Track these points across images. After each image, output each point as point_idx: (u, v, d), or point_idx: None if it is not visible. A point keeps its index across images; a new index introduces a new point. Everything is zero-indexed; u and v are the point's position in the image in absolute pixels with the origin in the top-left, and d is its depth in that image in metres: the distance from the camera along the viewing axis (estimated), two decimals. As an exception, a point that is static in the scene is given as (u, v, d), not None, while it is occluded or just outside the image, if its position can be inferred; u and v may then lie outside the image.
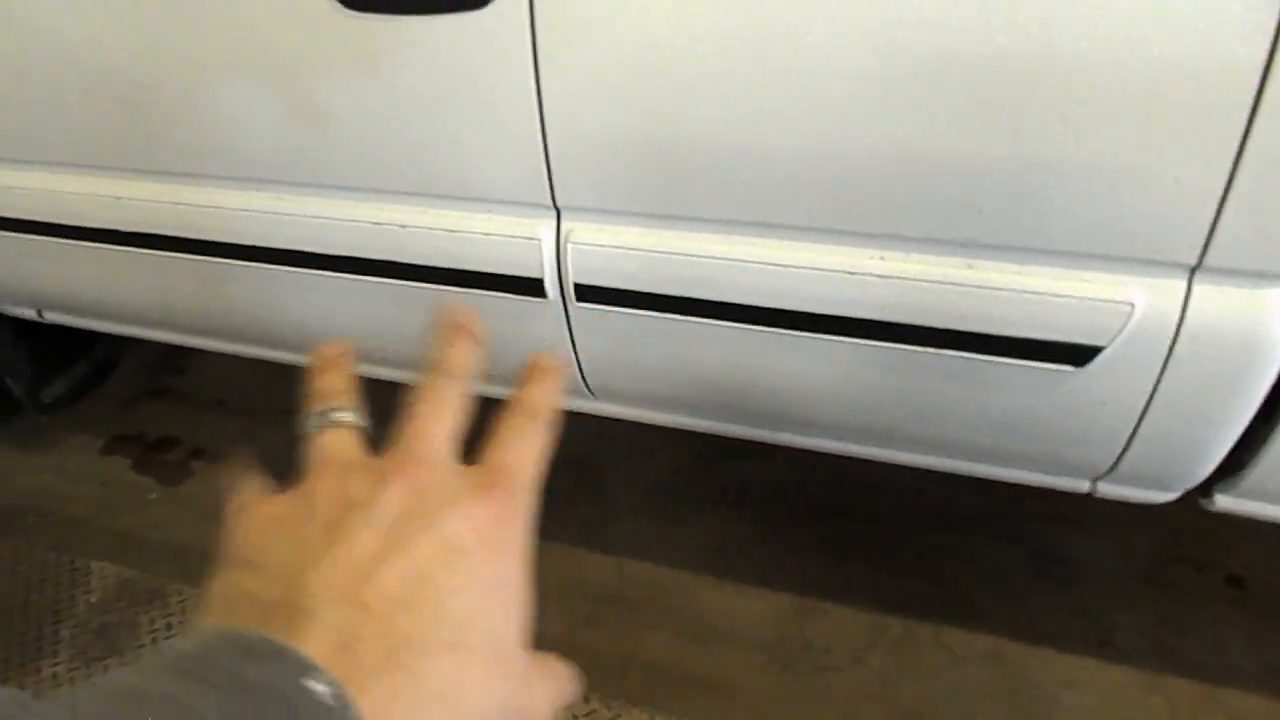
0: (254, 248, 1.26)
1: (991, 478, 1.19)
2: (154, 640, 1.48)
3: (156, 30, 1.13)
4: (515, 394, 0.40)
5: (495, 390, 1.38)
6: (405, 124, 1.07)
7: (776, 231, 0.99)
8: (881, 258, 0.97)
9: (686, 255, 1.03)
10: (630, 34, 0.92)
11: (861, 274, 0.98)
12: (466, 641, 0.31)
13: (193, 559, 1.68)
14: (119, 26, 1.14)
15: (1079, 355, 0.95)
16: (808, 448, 1.26)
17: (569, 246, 1.08)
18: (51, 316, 1.66)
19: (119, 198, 1.31)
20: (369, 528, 0.32)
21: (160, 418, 2.03)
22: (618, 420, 1.38)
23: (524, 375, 0.41)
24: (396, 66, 1.03)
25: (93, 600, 1.49)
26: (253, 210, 1.23)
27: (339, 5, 1.00)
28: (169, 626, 1.50)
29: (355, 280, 1.22)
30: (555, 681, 0.36)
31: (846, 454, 1.25)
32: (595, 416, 1.47)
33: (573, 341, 1.19)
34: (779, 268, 1.00)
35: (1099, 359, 0.94)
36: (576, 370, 1.23)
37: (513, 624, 0.33)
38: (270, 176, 1.20)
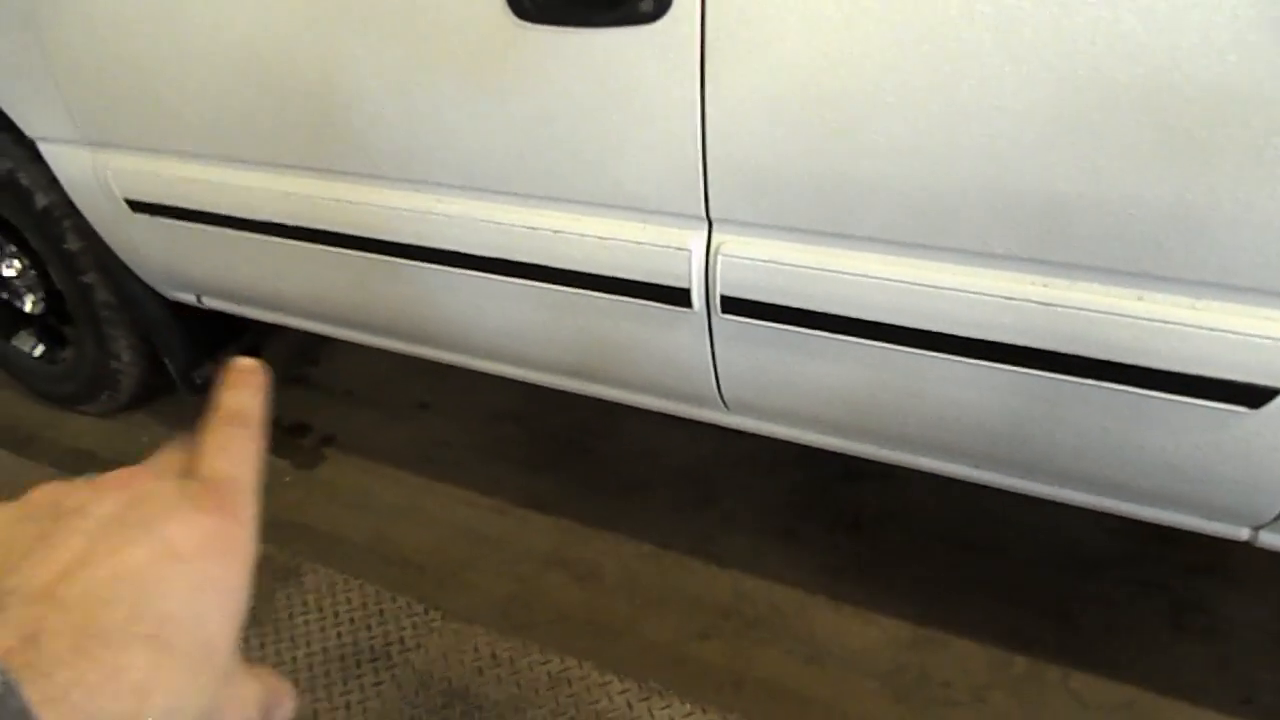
0: (410, 246, 1.31)
1: (1142, 518, 1.15)
2: (290, 615, 1.55)
3: (333, 35, 1.19)
4: (217, 401, 0.39)
5: (640, 399, 1.40)
6: (566, 131, 1.10)
7: (936, 253, 0.98)
8: (1045, 284, 0.95)
9: (840, 273, 1.03)
10: (800, 55, 0.93)
11: (1022, 299, 0.96)
12: (168, 638, 0.30)
13: (324, 541, 1.76)
14: (299, 32, 1.21)
15: (1254, 396, 0.91)
16: (945, 474, 1.24)
17: (719, 258, 1.09)
18: (209, 303, 1.77)
19: (288, 193, 1.38)
20: (78, 533, 0.32)
21: (296, 404, 2.13)
22: (738, 434, 1.39)
23: (225, 380, 0.40)
24: (562, 75, 1.06)
25: (235, 573, 1.57)
26: (412, 209, 1.28)
27: (512, 15, 1.04)
28: (304, 603, 1.57)
29: (505, 282, 1.26)
30: (267, 692, 0.35)
31: (985, 483, 1.22)
32: (715, 432, 1.48)
33: (713, 353, 1.20)
34: (936, 289, 0.99)
35: (1276, 401, 0.90)
36: (713, 382, 1.24)
37: (225, 628, 0.33)
38: (430, 178, 1.25)
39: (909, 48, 0.87)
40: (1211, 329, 0.89)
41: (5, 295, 2.05)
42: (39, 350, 2.08)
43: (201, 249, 1.58)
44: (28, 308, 2.05)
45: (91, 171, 1.59)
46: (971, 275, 0.98)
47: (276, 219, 1.42)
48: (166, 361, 1.91)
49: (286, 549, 1.67)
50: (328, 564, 1.64)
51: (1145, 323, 0.91)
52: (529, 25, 1.04)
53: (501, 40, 1.07)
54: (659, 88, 1.01)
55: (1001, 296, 0.96)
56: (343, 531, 1.79)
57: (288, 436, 2.04)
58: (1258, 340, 0.88)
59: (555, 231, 1.19)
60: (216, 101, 1.36)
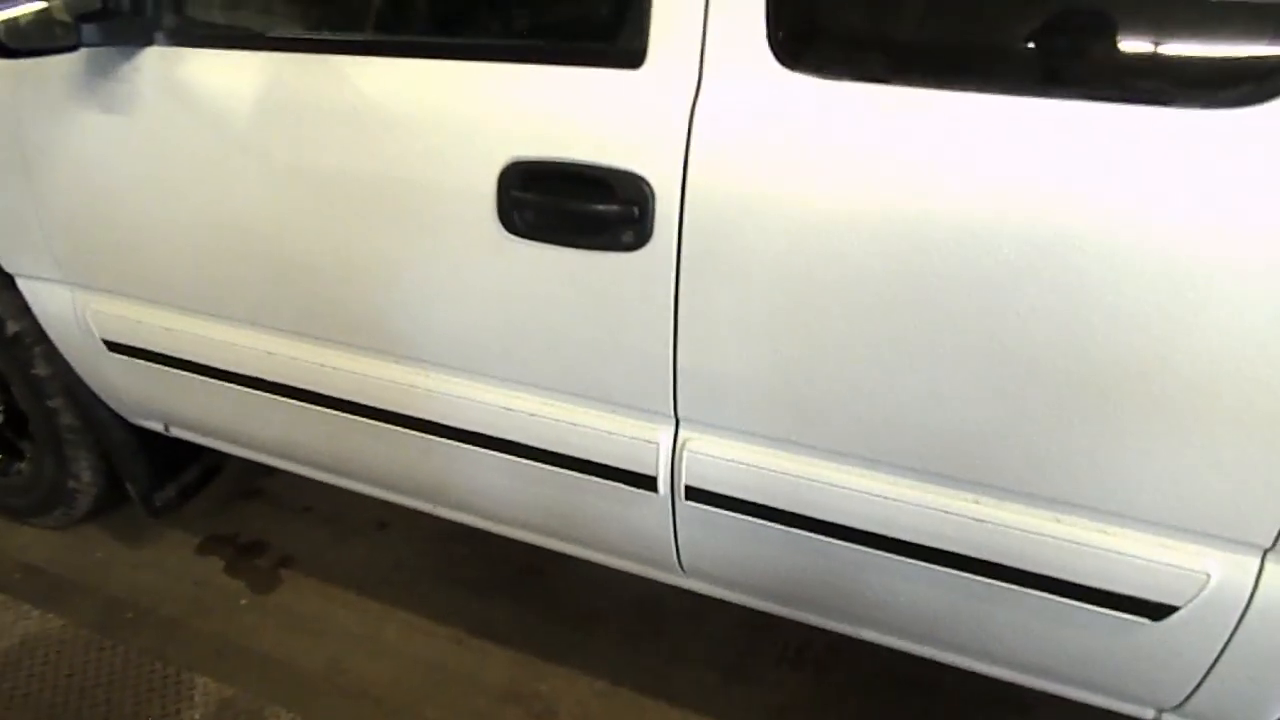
0: (391, 413, 1.38)
1: (1061, 695, 1.26)
2: (250, 761, 1.57)
3: (329, 216, 1.28)
4: None
5: (602, 559, 1.47)
6: (547, 330, 1.20)
7: (884, 467, 1.10)
8: (977, 501, 1.07)
9: (797, 476, 1.14)
10: (765, 290, 1.04)
11: (956, 513, 1.07)
12: None
13: (280, 671, 1.78)
14: (296, 210, 1.29)
15: (1156, 611, 1.03)
16: (886, 645, 1.34)
17: (685, 454, 1.19)
18: (177, 432, 1.80)
19: (270, 352, 1.45)
20: None
21: (252, 519, 2.15)
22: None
23: None
24: (545, 284, 1.16)
25: (196, 717, 1.58)
26: (394, 381, 1.35)
27: (501, 228, 1.14)
28: (265, 748, 1.59)
29: (480, 453, 1.34)
30: None
31: (923, 655, 1.32)
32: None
33: (675, 531, 1.29)
34: (882, 499, 1.10)
35: (1174, 617, 1.02)
36: (673, 553, 1.33)
37: None
38: (414, 354, 1.33)
39: (860, 302, 0.99)
40: (1119, 552, 1.02)
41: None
42: (-7, 464, 2.08)
43: (178, 391, 1.63)
44: (-18, 423, 2.05)
45: (70, 310, 1.63)
46: (913, 488, 1.09)
47: (257, 374, 1.48)
48: (128, 484, 1.92)
49: (249, 690, 1.69)
50: (290, 708, 1.66)
51: (1062, 542, 1.04)
52: (517, 239, 1.14)
53: (491, 247, 1.17)
54: (636, 305, 1.12)
55: (938, 509, 1.08)
56: (299, 661, 1.81)
57: (243, 556, 2.06)
58: (1158, 565, 1.00)
59: (531, 414, 1.27)
60: (205, 262, 1.43)
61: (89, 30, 1.26)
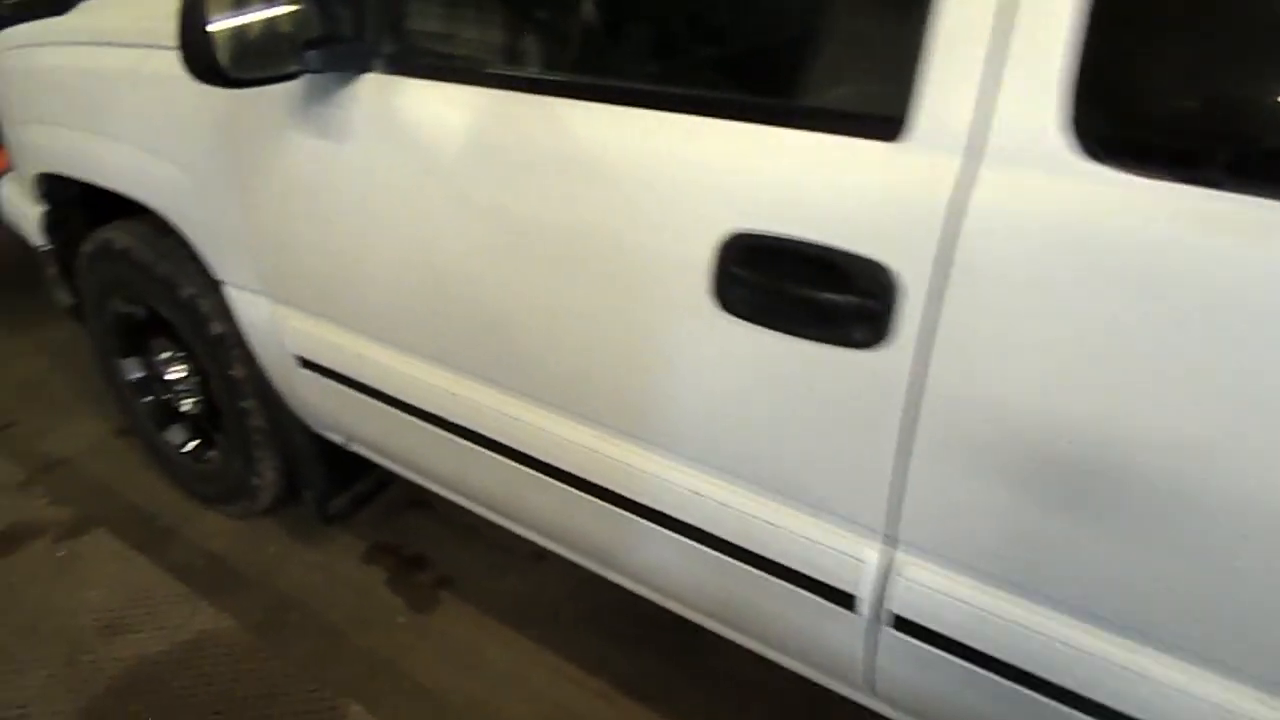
0: (569, 474, 1.30)
1: None
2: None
3: (528, 266, 1.20)
4: None
5: (782, 660, 1.32)
6: (755, 420, 1.07)
7: (1130, 633, 0.90)
8: (1259, 700, 0.86)
9: (1025, 628, 0.96)
10: (1023, 413, 0.87)
11: (1227, 708, 0.87)
12: None
13: (428, 701, 1.74)
14: (493, 255, 1.23)
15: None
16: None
17: (898, 579, 1.03)
18: (356, 448, 1.80)
19: (453, 393, 1.39)
20: None
21: (418, 532, 2.15)
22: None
23: None
24: (760, 371, 1.03)
25: (347, 752, 1.58)
26: (576, 443, 1.27)
27: (717, 305, 1.02)
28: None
29: (662, 532, 1.23)
30: None
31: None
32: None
33: (872, 655, 1.13)
34: (1129, 672, 0.90)
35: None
36: (866, 675, 1.18)
37: None
38: (599, 418, 1.24)
39: (1148, 432, 0.81)
40: None
41: (167, 395, 2.15)
42: (189, 446, 2.16)
43: (360, 413, 1.61)
44: (184, 408, 2.14)
45: (269, 321, 1.65)
46: (1164, 664, 0.89)
47: (439, 412, 1.43)
48: (305, 489, 1.95)
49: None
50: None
51: None
52: (730, 317, 1.02)
53: (699, 322, 1.05)
54: (862, 410, 0.97)
55: (1202, 698, 0.87)
56: (446, 693, 1.77)
57: (405, 570, 2.06)
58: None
59: (721, 503, 1.15)
60: (400, 296, 1.39)
61: (313, 57, 1.24)
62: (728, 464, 1.13)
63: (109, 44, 1.74)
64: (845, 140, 0.93)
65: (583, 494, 1.30)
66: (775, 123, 0.97)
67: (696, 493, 1.17)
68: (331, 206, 1.40)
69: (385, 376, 1.48)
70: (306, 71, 1.25)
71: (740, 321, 1.02)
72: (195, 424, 2.15)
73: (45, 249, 2.19)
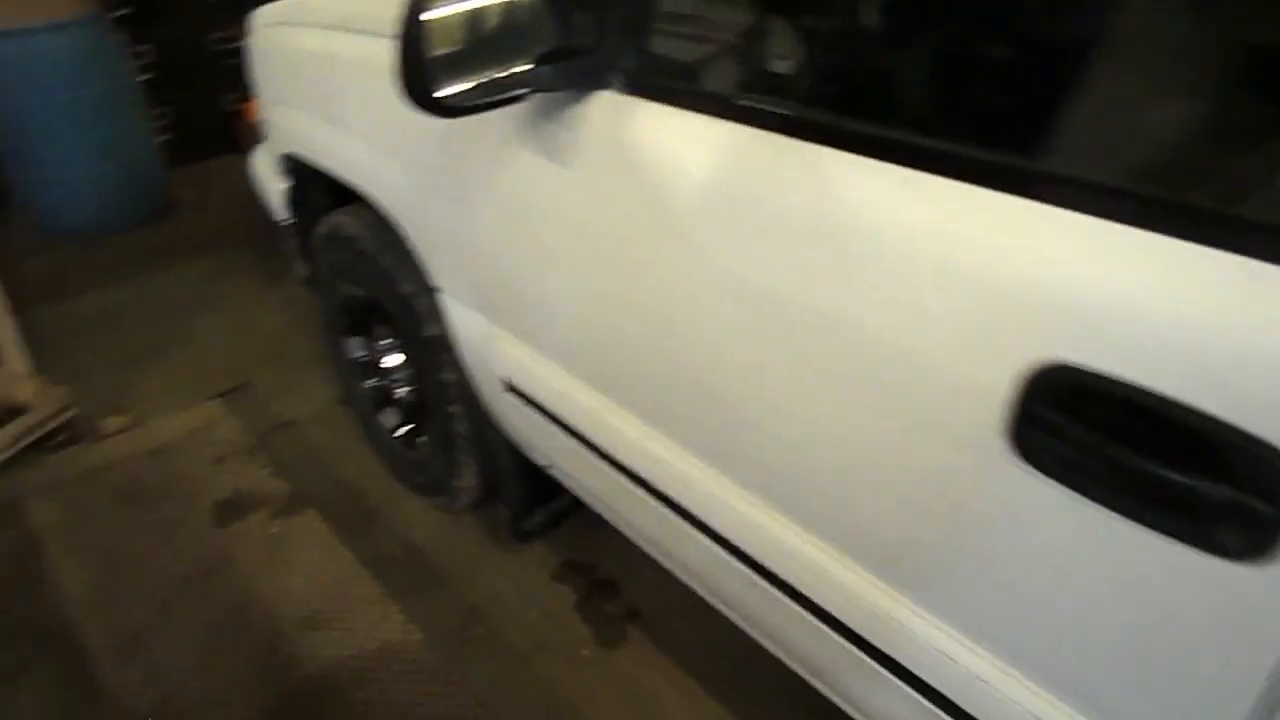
0: (781, 579, 1.09)
1: None
2: None
3: (764, 352, 0.99)
4: None
5: None
6: (1039, 594, 0.82)
7: None
8: None
9: None
10: None
11: None
12: None
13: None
14: (727, 329, 1.03)
15: None
16: None
17: None
18: (557, 475, 1.69)
19: (659, 459, 1.22)
20: None
21: (611, 554, 2.03)
22: None
23: None
24: (1062, 548, 0.78)
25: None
26: (793, 547, 1.06)
27: (1013, 453, 0.77)
28: None
29: (903, 688, 1.01)
30: None
31: None
32: None
33: None
34: None
35: None
36: None
37: None
38: (832, 534, 1.02)
39: None
40: None
41: (384, 380, 2.14)
42: (400, 432, 2.15)
43: (560, 450, 1.49)
44: (398, 395, 2.12)
45: (480, 337, 1.55)
46: None
47: (647, 477, 1.27)
48: (502, 503, 1.87)
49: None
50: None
51: None
52: (1028, 470, 0.77)
53: (981, 464, 0.80)
54: (1216, 637, 0.70)
55: None
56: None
57: (595, 595, 1.95)
58: None
59: (978, 676, 0.91)
60: (611, 340, 1.23)
61: (545, 73, 1.08)
62: (1002, 643, 0.88)
63: (350, 30, 1.68)
64: (1221, 255, 0.65)
65: (808, 616, 1.09)
66: (1155, 227, 0.69)
67: (950, 656, 0.93)
68: (550, 234, 1.26)
69: (592, 424, 1.33)
70: (537, 91, 1.09)
71: (1041, 478, 0.76)
72: (408, 411, 2.13)
73: (286, 223, 2.23)
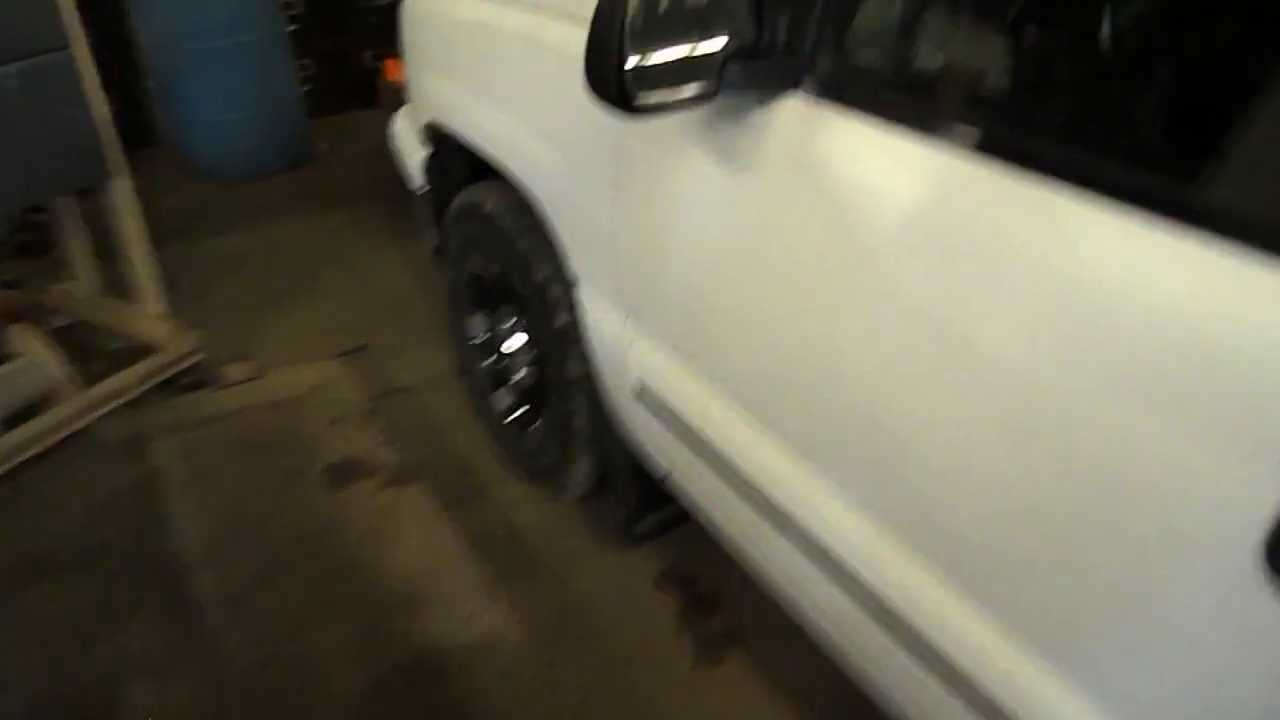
0: (956, 668, 0.99)
1: None
2: None
3: (963, 413, 0.88)
4: None
5: None
6: None
7: None
8: None
9: None
10: None
11: None
12: None
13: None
14: (917, 380, 0.92)
15: None
16: None
17: None
18: (673, 487, 1.61)
19: (812, 503, 1.13)
20: None
21: (716, 567, 1.94)
22: None
23: None
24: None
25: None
26: (971, 635, 0.95)
27: (1270, 578, 0.65)
28: None
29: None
30: None
31: None
32: None
33: None
34: None
35: None
36: None
37: None
38: (1017, 622, 0.91)
39: None
40: None
41: (503, 362, 2.10)
42: (514, 415, 2.11)
43: (690, 470, 1.40)
44: (515, 378, 2.08)
45: (616, 337, 1.48)
46: None
47: (781, 506, 1.17)
48: (614, 505, 1.81)
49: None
50: None
51: None
52: (1288, 596, 0.65)
53: (1228, 590, 0.69)
54: None
55: None
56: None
57: (697, 609, 1.87)
58: None
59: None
60: (774, 366, 1.13)
61: (734, 72, 0.98)
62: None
63: (513, 3, 1.62)
64: None
65: (951, 692, 0.98)
66: None
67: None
68: (716, 242, 1.17)
69: (733, 449, 1.25)
70: (723, 91, 1.00)
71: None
72: (524, 396, 2.09)
73: (421, 191, 2.21)
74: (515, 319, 2.01)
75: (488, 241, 1.89)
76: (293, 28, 4.00)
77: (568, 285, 1.61)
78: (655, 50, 0.91)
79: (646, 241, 1.30)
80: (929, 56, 0.97)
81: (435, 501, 2.04)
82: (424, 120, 2.05)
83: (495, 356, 2.13)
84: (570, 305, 1.63)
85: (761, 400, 1.17)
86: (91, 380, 2.29)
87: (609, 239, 1.39)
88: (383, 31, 4.49)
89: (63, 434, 2.14)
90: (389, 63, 4.46)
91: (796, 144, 1.02)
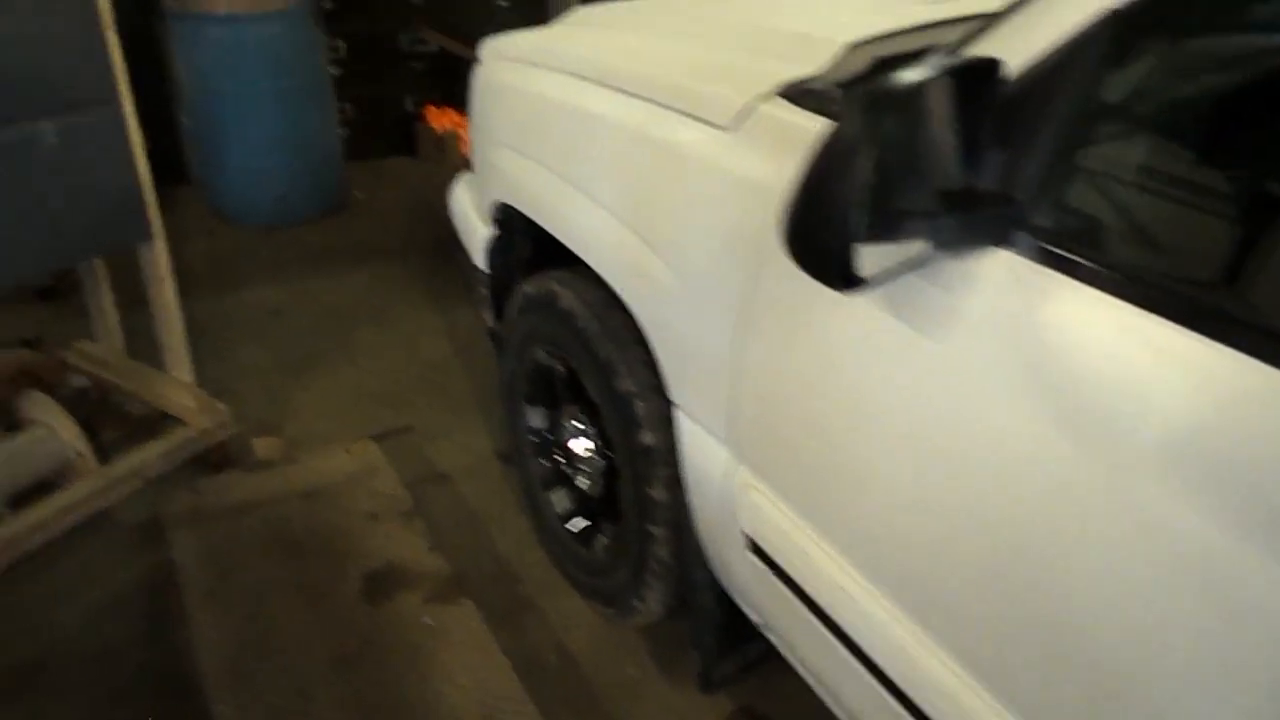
0: None
1: None
2: None
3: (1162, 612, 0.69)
4: None
5: None
6: None
7: None
8: None
9: None
10: None
11: None
12: None
13: None
14: (1101, 577, 0.73)
15: None
16: None
17: None
18: (770, 635, 1.42)
19: (904, 649, 0.93)
20: None
21: (796, 708, 1.74)
22: None
23: None
24: None
25: None
26: None
27: None
28: None
29: None
30: None
31: None
32: None
33: None
34: None
35: None
36: None
37: None
38: None
39: None
40: None
41: (564, 460, 1.91)
42: (572, 524, 1.92)
43: (804, 633, 1.21)
44: (578, 484, 1.89)
45: (720, 475, 1.29)
46: None
47: (927, 711, 0.98)
48: (693, 648, 1.61)
49: None
50: None
51: None
52: None
53: None
54: None
55: None
56: None
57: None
58: None
59: None
60: (942, 558, 0.94)
61: (945, 229, 0.81)
62: None
63: (616, 88, 1.46)
64: None
65: None
66: None
67: None
68: (876, 401, 0.99)
69: (857, 619, 1.06)
70: (936, 247, 0.82)
71: None
72: (587, 503, 1.89)
73: (481, 272, 2.03)
74: (584, 423, 1.82)
75: (560, 338, 1.72)
76: (336, 71, 3.87)
77: (661, 405, 1.43)
78: (895, 226, 0.73)
79: (779, 389, 1.12)
80: (1192, 221, 0.80)
81: (482, 620, 1.84)
82: (493, 198, 1.89)
83: (555, 456, 1.94)
84: (660, 425, 1.45)
85: (921, 596, 0.98)
86: (107, 446, 2.11)
87: (726, 375, 1.21)
88: (425, 78, 4.40)
89: (75, 518, 1.95)
90: (430, 109, 4.34)
91: (1008, 311, 0.85)
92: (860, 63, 1.27)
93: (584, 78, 1.55)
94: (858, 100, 0.69)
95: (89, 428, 2.14)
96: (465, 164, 2.13)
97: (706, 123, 1.24)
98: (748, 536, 1.26)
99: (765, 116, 1.17)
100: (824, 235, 0.73)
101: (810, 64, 1.25)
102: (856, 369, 0.99)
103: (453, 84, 4.24)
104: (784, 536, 1.18)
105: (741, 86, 1.23)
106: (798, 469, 1.13)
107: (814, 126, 1.09)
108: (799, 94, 1.18)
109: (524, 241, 1.91)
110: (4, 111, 1.69)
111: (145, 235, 2.02)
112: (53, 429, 2.06)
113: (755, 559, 1.26)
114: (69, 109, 1.80)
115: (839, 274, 0.74)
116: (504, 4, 4.28)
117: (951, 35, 1.43)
